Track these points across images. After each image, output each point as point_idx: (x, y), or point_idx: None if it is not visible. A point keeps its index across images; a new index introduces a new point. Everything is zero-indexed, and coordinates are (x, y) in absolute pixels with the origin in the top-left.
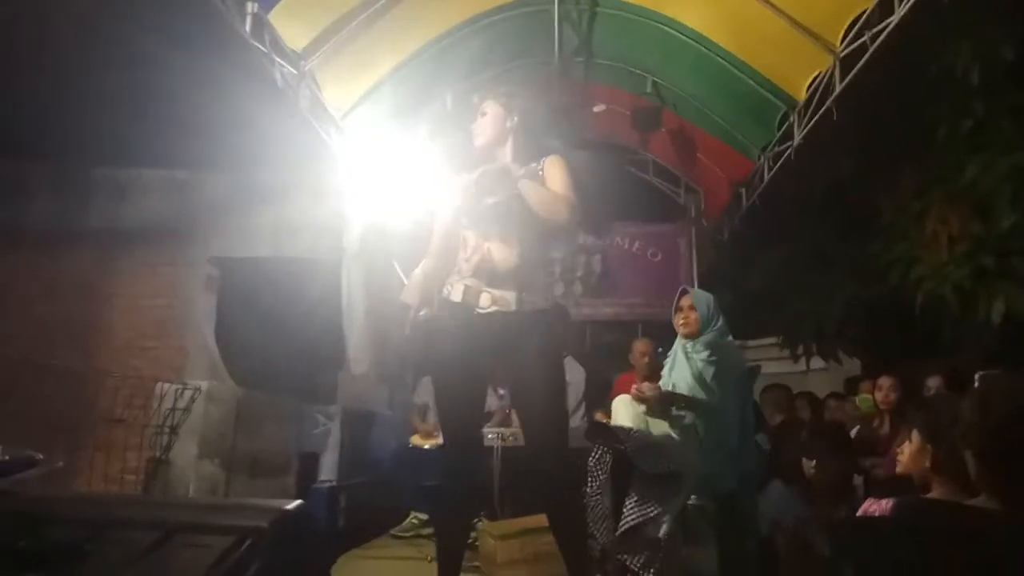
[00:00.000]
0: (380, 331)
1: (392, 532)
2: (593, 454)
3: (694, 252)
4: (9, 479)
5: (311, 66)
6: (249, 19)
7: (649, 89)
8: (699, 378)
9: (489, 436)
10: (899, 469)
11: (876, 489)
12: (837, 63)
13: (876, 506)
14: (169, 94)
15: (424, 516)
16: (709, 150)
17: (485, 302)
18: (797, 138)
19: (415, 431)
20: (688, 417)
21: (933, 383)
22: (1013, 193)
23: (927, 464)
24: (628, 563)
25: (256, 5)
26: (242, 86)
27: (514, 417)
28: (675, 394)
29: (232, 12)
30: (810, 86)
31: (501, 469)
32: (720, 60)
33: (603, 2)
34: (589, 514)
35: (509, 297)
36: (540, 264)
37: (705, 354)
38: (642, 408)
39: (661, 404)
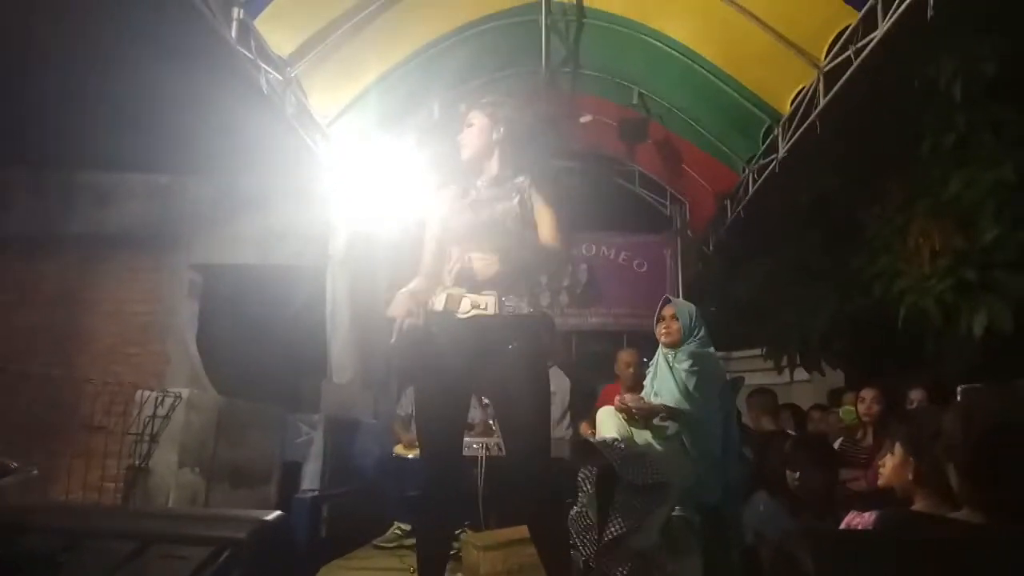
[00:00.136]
0: (365, 339)
1: (375, 542)
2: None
3: (679, 263)
4: None
5: (297, 73)
6: (235, 25)
7: (635, 100)
8: (682, 388)
9: (474, 446)
10: (881, 482)
11: (858, 501)
12: (821, 77)
13: (859, 519)
14: (153, 99)
15: (407, 527)
16: (695, 162)
17: (465, 307)
18: (781, 151)
19: (399, 441)
20: (671, 427)
21: (916, 396)
22: (996, 207)
23: (910, 477)
24: (612, 575)
25: (242, 11)
26: (227, 92)
27: (496, 427)
28: (657, 405)
29: (218, 18)
30: (794, 100)
31: (485, 479)
32: (706, 73)
33: (590, 14)
34: (573, 525)
35: (489, 301)
36: (522, 273)
37: (687, 364)
38: (624, 415)
39: (643, 415)
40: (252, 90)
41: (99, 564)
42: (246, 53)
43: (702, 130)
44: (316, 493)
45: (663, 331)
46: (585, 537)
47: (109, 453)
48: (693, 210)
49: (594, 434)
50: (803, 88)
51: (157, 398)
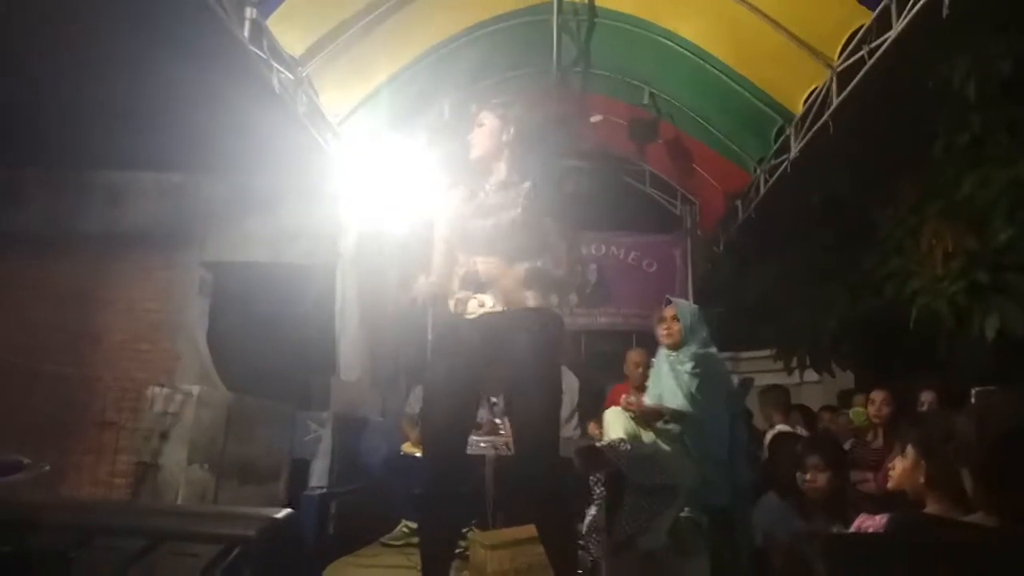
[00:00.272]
0: (374, 337)
1: (382, 540)
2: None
3: (689, 263)
4: None
5: (309, 72)
6: (247, 24)
7: (646, 100)
8: (685, 391)
9: (481, 444)
10: (891, 484)
11: (868, 504)
12: (834, 77)
13: (870, 521)
14: (166, 98)
15: (415, 524)
16: (705, 162)
17: (472, 308)
18: (794, 151)
19: (407, 438)
20: (676, 429)
21: (926, 398)
22: (1009, 207)
23: (921, 480)
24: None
25: (255, 11)
26: (240, 91)
27: (504, 426)
28: (661, 407)
29: (231, 17)
30: (807, 100)
31: (494, 478)
32: (717, 72)
33: (602, 13)
34: (584, 526)
35: (495, 299)
36: (527, 276)
37: (689, 366)
38: (631, 413)
39: (647, 417)
40: (264, 89)
41: (110, 561)
42: (258, 52)
43: (713, 130)
44: (324, 490)
45: (664, 332)
46: (594, 538)
47: (119, 449)
48: (703, 210)
49: (602, 434)
50: (816, 88)
51: (167, 395)
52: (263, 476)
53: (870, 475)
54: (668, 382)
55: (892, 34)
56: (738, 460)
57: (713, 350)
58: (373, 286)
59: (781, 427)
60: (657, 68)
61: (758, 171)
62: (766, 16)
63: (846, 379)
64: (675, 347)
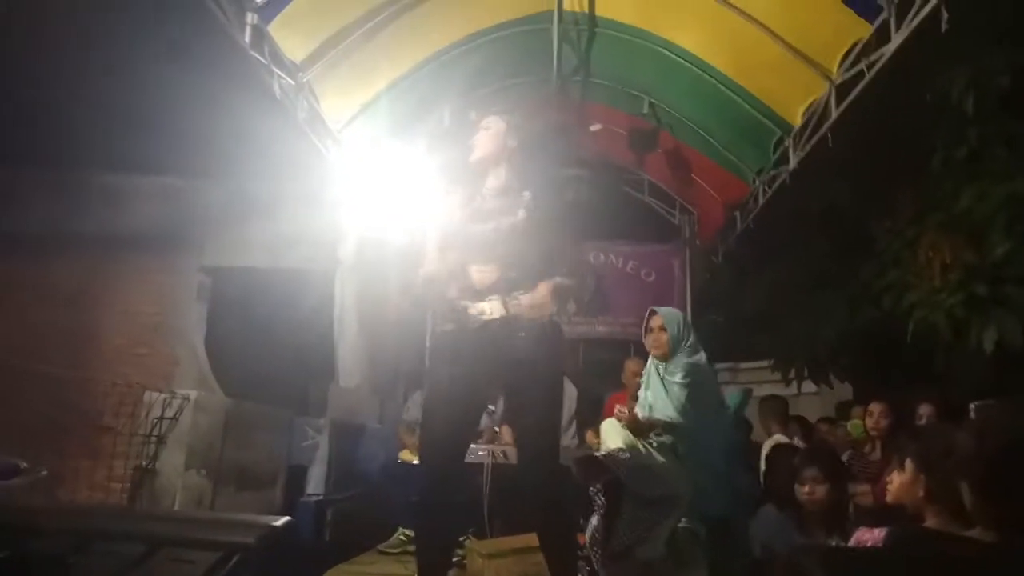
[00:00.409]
0: (373, 344)
1: (379, 548)
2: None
3: (688, 273)
4: None
5: (309, 78)
6: (249, 30)
7: (646, 110)
8: (676, 403)
9: (480, 452)
10: (890, 498)
11: (867, 517)
12: (833, 90)
13: (869, 535)
14: (167, 102)
15: (412, 532)
16: (704, 172)
17: (473, 319)
18: (792, 163)
19: (404, 446)
20: (668, 439)
21: (924, 411)
22: (1007, 221)
23: (920, 494)
24: None
25: (256, 16)
26: (240, 96)
27: (504, 434)
28: (652, 419)
29: (232, 23)
30: (806, 112)
31: (491, 487)
32: (717, 83)
33: (602, 23)
34: (588, 537)
35: (494, 306)
36: (525, 277)
37: (679, 377)
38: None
39: (639, 429)
40: (265, 95)
41: (108, 567)
42: (259, 58)
43: (712, 140)
44: (321, 497)
45: (652, 343)
46: (595, 548)
47: (116, 454)
48: (702, 220)
49: (599, 444)
50: (815, 100)
51: (165, 399)
52: (260, 482)
53: (868, 487)
54: (659, 393)
55: (891, 47)
56: (735, 470)
57: (702, 356)
58: (372, 293)
59: (778, 437)
60: (657, 78)
61: (757, 182)
62: (765, 27)
63: (844, 391)
64: (664, 358)
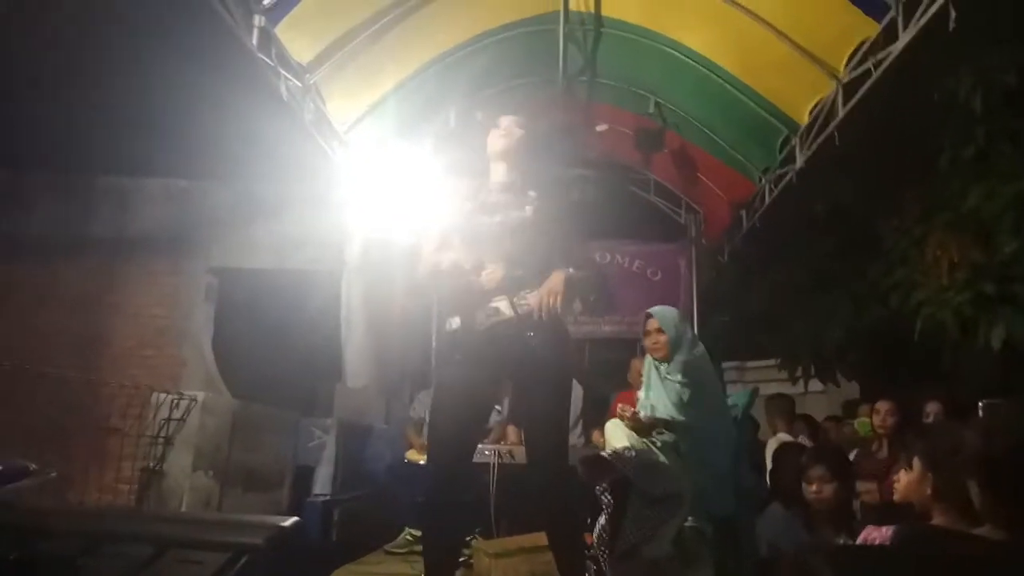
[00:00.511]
0: (380, 345)
1: (386, 548)
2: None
3: (694, 272)
4: (2, 489)
5: (316, 80)
6: (256, 32)
7: (652, 110)
8: (676, 400)
9: (486, 452)
10: (897, 496)
11: (874, 515)
12: (840, 88)
13: (877, 533)
14: (174, 104)
15: (418, 532)
16: (710, 171)
17: (481, 318)
18: (799, 162)
19: (411, 446)
20: (671, 438)
21: (932, 409)
22: (1015, 220)
23: (928, 492)
24: None
25: (263, 18)
26: (247, 98)
27: (510, 434)
28: (655, 419)
29: (239, 25)
30: (812, 111)
31: (497, 487)
32: (723, 83)
33: (608, 23)
34: (597, 536)
35: (502, 305)
36: (531, 276)
37: (679, 376)
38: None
39: (642, 428)
40: (272, 97)
41: (117, 568)
42: (266, 60)
43: (718, 140)
44: (328, 497)
45: (651, 345)
46: (603, 548)
47: (124, 455)
48: (708, 219)
49: (605, 444)
50: (821, 99)
51: (172, 401)
52: (267, 483)
53: (874, 486)
54: (660, 393)
55: (898, 46)
56: (742, 469)
57: (702, 355)
58: (378, 293)
59: (782, 436)
60: (663, 78)
61: (763, 181)
62: (772, 27)
63: (851, 389)
64: (664, 359)
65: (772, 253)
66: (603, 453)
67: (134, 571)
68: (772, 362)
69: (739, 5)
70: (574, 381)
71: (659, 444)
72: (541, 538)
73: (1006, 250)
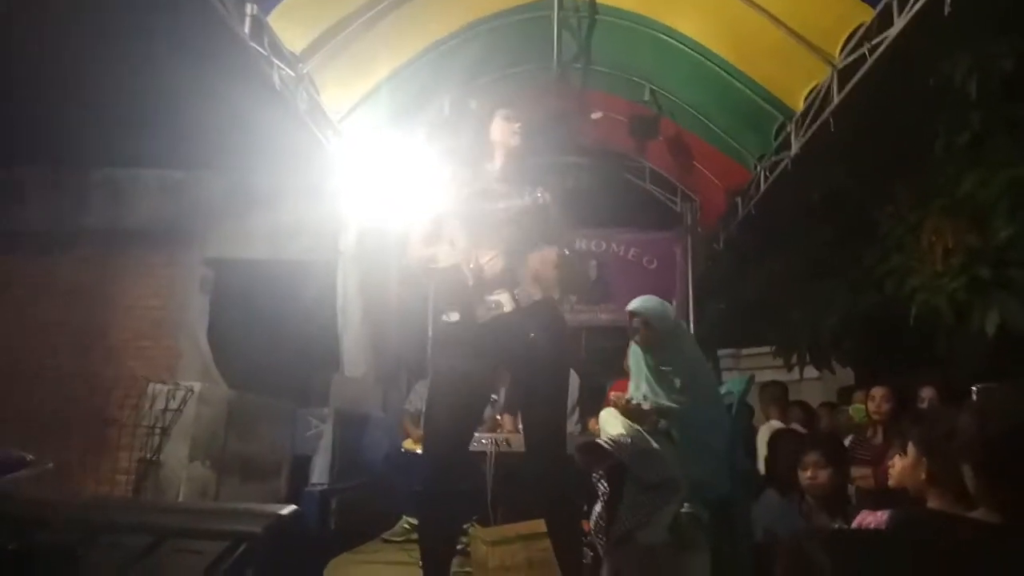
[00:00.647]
0: (376, 334)
1: (383, 536)
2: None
3: (689, 260)
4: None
5: (309, 69)
6: (248, 21)
7: (647, 97)
8: (669, 389)
9: (483, 441)
10: (892, 482)
11: (869, 500)
12: (835, 75)
13: (872, 518)
14: (167, 95)
15: (415, 521)
16: (706, 159)
17: (482, 311)
18: (794, 148)
19: (408, 435)
20: (664, 424)
21: (926, 394)
22: (1010, 205)
23: (922, 477)
24: (622, 571)
25: (255, 7)
26: (240, 88)
27: (506, 422)
28: (649, 407)
29: (231, 14)
30: (808, 97)
31: (494, 474)
32: (718, 69)
33: (602, 10)
34: (592, 522)
35: (504, 298)
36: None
37: (669, 366)
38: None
39: (635, 415)
40: (265, 86)
41: (115, 558)
42: (259, 49)
43: (714, 127)
44: (325, 487)
45: (639, 339)
46: (599, 535)
47: (121, 446)
48: (704, 207)
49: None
50: (816, 85)
51: (169, 392)
52: (264, 472)
53: (869, 471)
54: (651, 381)
55: (893, 31)
56: (738, 455)
57: (689, 338)
58: (374, 283)
59: (775, 423)
60: (658, 65)
61: (758, 168)
62: (767, 12)
63: (846, 376)
64: (652, 351)
65: (767, 240)
66: (599, 440)
67: (132, 561)
68: (768, 349)
69: None
70: (571, 370)
71: (653, 431)
72: (538, 525)
73: (1001, 235)
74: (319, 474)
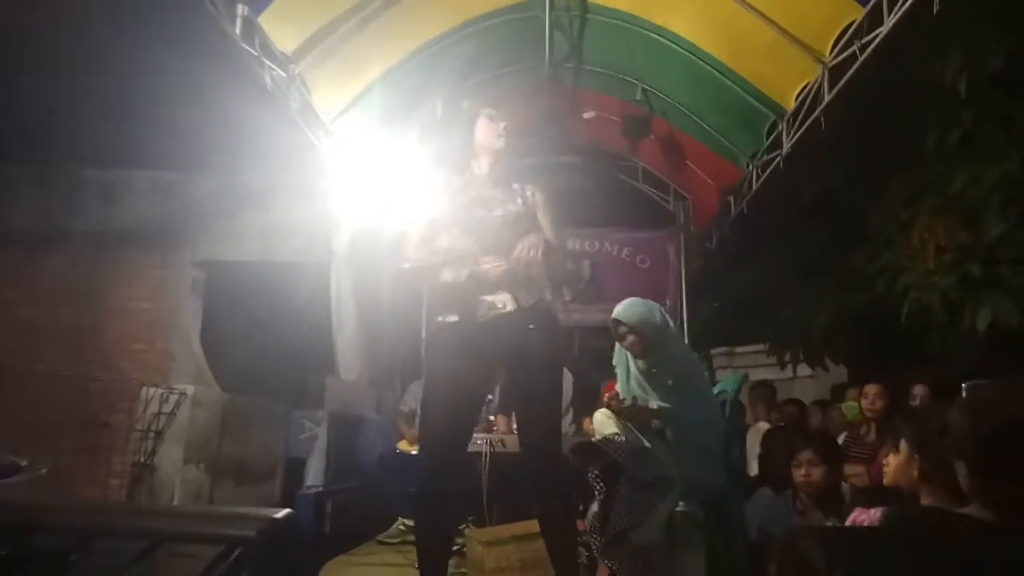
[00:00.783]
0: (370, 335)
1: (379, 538)
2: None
3: (682, 259)
4: None
5: (301, 69)
6: (239, 21)
7: (639, 96)
8: (661, 389)
9: (478, 441)
10: (886, 481)
11: (863, 498)
12: (826, 73)
13: (865, 515)
14: (158, 96)
15: (411, 522)
16: (698, 158)
17: (482, 310)
18: (786, 147)
19: (402, 437)
20: (658, 424)
21: (919, 391)
22: (1001, 202)
23: (915, 474)
24: (616, 570)
25: (246, 8)
26: (232, 89)
27: (499, 423)
28: (642, 407)
29: (222, 14)
30: (799, 95)
31: (490, 475)
32: (710, 68)
33: (594, 9)
34: (588, 523)
35: (506, 299)
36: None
37: (659, 369)
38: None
39: (630, 416)
40: (256, 87)
41: (109, 563)
42: (250, 50)
43: (706, 126)
44: (320, 489)
45: (627, 346)
46: (594, 535)
47: (115, 450)
48: (696, 206)
49: (594, 432)
50: (807, 84)
51: (162, 395)
52: (258, 475)
53: (863, 468)
54: (642, 383)
55: (883, 29)
56: (733, 452)
57: (677, 338)
58: (367, 284)
59: (762, 424)
60: (650, 64)
61: (750, 167)
62: (758, 12)
63: (839, 373)
64: (642, 355)
65: (760, 239)
66: (593, 440)
67: (127, 566)
68: (761, 347)
69: None
70: (565, 370)
71: (647, 431)
72: (533, 525)
73: (992, 232)
74: (314, 477)
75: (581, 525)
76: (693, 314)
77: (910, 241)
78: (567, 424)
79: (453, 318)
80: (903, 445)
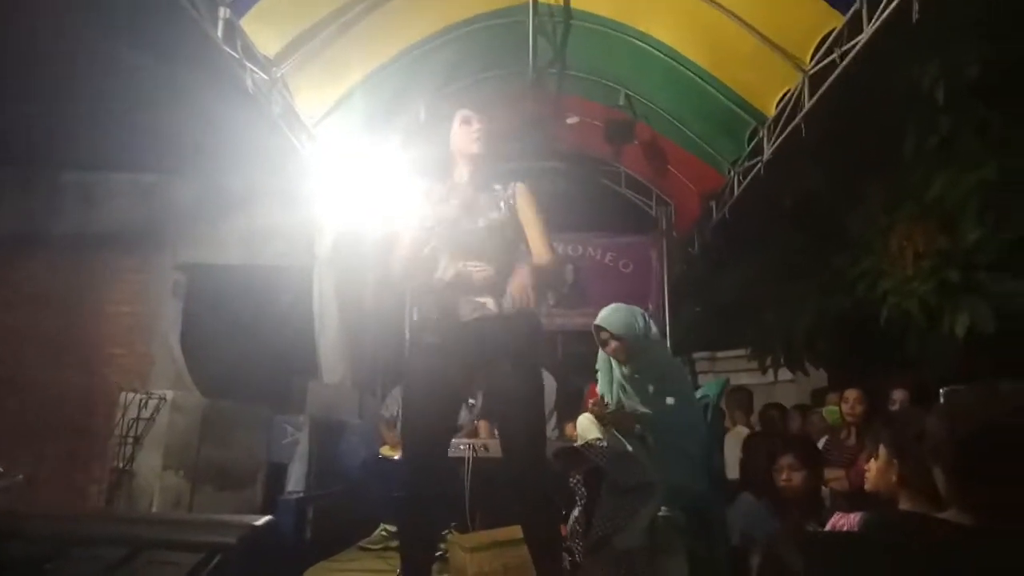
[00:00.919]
0: (352, 339)
1: (361, 544)
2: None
3: (665, 264)
4: None
5: (283, 73)
6: (221, 24)
7: (622, 102)
8: (643, 394)
9: (461, 447)
10: (868, 486)
11: (843, 502)
12: (806, 80)
13: (845, 520)
14: (139, 98)
15: (393, 528)
16: (680, 163)
17: (466, 311)
18: (767, 153)
19: (384, 442)
20: (640, 429)
21: (898, 396)
22: (979, 208)
23: (894, 479)
24: (599, 574)
25: (228, 10)
26: (213, 91)
27: (482, 428)
28: (623, 413)
29: (204, 17)
30: (779, 102)
31: (472, 480)
32: (692, 75)
33: (577, 15)
34: (568, 527)
35: (489, 302)
36: (510, 275)
37: (641, 375)
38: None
39: (613, 421)
40: (238, 90)
41: (86, 571)
42: (232, 53)
43: (688, 131)
44: (301, 495)
45: (610, 351)
46: (576, 540)
47: (93, 456)
48: (678, 211)
49: (577, 437)
50: (788, 91)
51: (141, 400)
52: (239, 481)
53: (843, 473)
54: (624, 387)
55: (863, 38)
56: (715, 457)
57: (663, 349)
58: (350, 288)
59: (741, 429)
60: (633, 70)
61: (732, 173)
62: (740, 20)
63: (820, 378)
64: (625, 362)
65: (741, 244)
66: (575, 445)
67: (105, 573)
68: (743, 352)
69: None
70: (547, 374)
71: (629, 435)
72: (516, 531)
73: (970, 238)
74: (295, 482)
75: (564, 530)
76: (675, 319)
77: (889, 246)
78: (550, 429)
79: (435, 318)
80: (882, 450)
